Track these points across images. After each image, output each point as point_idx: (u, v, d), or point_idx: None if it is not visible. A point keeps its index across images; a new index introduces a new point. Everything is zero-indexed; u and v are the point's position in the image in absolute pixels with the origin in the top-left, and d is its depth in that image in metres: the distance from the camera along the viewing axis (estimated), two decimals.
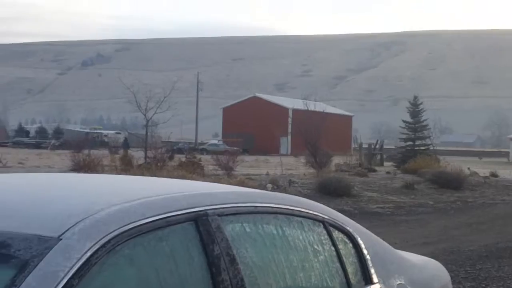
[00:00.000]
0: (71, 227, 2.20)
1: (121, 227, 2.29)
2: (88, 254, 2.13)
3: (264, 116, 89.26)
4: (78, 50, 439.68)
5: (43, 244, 2.10)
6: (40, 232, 2.17)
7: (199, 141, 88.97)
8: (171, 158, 32.27)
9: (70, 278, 2.03)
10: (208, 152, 57.78)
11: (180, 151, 51.80)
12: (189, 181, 3.81)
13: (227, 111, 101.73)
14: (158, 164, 28.12)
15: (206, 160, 34.19)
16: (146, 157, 30.73)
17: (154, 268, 2.38)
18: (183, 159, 32.22)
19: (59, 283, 2.00)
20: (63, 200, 2.57)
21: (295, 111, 66.70)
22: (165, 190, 2.92)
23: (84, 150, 42.31)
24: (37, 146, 79.02)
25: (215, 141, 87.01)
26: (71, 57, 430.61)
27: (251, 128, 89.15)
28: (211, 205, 2.74)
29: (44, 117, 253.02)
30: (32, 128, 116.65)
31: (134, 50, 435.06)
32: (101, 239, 2.20)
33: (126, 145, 47.17)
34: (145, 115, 31.62)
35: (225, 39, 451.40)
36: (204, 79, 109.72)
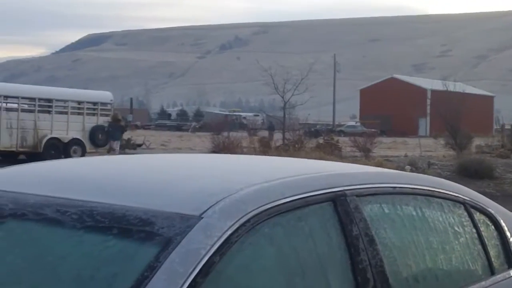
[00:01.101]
0: (212, 206, 2.24)
1: (261, 206, 2.31)
2: (229, 232, 2.16)
3: (401, 98, 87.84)
4: (216, 34, 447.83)
5: (185, 222, 2.16)
6: (182, 210, 2.22)
7: (336, 123, 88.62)
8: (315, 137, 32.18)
9: (211, 256, 2.07)
10: (345, 134, 57.44)
11: (317, 133, 51.86)
12: (327, 162, 3.81)
13: (364, 92, 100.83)
14: (296, 146, 28.26)
15: (344, 142, 34.03)
16: (284, 138, 30.94)
17: (293, 247, 2.40)
18: (321, 141, 32.22)
19: (200, 260, 2.04)
20: (203, 179, 2.64)
21: (434, 92, 65.22)
22: (303, 170, 2.93)
23: (223, 132, 43.08)
24: (179, 128, 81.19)
25: (353, 123, 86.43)
26: (210, 41, 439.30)
27: (389, 110, 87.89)
28: (349, 185, 2.73)
29: (185, 100, 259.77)
30: (173, 111, 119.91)
31: (271, 33, 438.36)
32: (241, 218, 2.23)
33: (271, 127, 47.51)
34: (282, 97, 31.80)
35: (362, 20, 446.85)
36: (341, 61, 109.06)
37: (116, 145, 26.21)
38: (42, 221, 2.29)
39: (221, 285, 2.11)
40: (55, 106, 27.16)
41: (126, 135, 33.91)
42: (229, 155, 4.95)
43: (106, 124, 27.16)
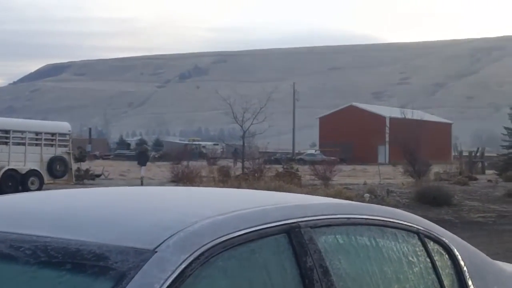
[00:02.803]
0: (166, 239, 2.24)
1: (215, 239, 2.32)
2: (183, 266, 2.16)
3: (361, 125, 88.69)
4: (176, 63, 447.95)
5: (139, 257, 2.15)
6: (136, 244, 2.22)
7: (296, 151, 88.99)
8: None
9: None
10: (305, 162, 57.67)
11: (277, 161, 51.97)
12: (283, 193, 3.83)
13: (323, 120, 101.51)
14: (256, 174, 28.29)
15: (304, 170, 34.20)
16: (243, 167, 30.97)
17: (247, 280, 2.41)
18: (280, 170, 32.30)
19: None
20: (158, 213, 2.64)
21: (393, 119, 65.97)
22: (258, 202, 2.95)
23: (183, 162, 42.99)
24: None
25: (312, 151, 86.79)
26: (169, 70, 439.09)
27: (348, 137, 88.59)
28: (303, 217, 2.74)
29: (144, 130, 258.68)
30: (132, 141, 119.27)
31: (231, 61, 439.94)
32: (195, 251, 2.23)
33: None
34: (241, 126, 31.91)
35: (322, 48, 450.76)
36: (300, 89, 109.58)
37: None
38: None
39: None
40: (13, 137, 26.92)
41: (84, 166, 33.67)
42: (186, 187, 4.95)
43: (64, 155, 27.01)
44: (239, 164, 35.04)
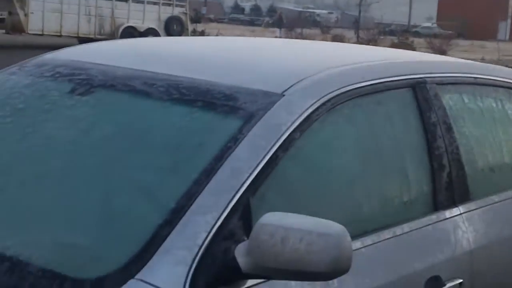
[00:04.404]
0: (293, 84, 2.28)
1: (341, 87, 2.35)
2: (309, 110, 2.20)
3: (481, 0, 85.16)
4: None
5: (268, 99, 2.21)
6: (265, 87, 2.27)
7: (412, 23, 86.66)
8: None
9: (292, 132, 2.12)
10: (421, 35, 56.24)
11: (392, 33, 50.89)
12: (408, 51, 3.80)
13: None
14: (369, 44, 27.92)
15: (419, 43, 33.45)
16: (358, 36, 30.56)
17: (371, 129, 2.45)
18: (395, 41, 31.73)
19: (281, 135, 2.10)
20: (285, 60, 2.68)
21: None
22: (384, 56, 2.94)
23: (296, 29, 42.73)
24: (252, 23, 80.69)
25: (429, 24, 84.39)
26: None
27: (467, 12, 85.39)
28: (429, 73, 2.73)
29: None
30: (247, 5, 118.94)
31: None
32: (322, 97, 2.26)
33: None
34: None
35: None
36: None
37: None
38: (130, 92, 2.37)
39: (300, 160, 2.17)
40: None
41: (199, 27, 33.96)
42: (309, 40, 4.94)
43: (181, 16, 27.29)
44: (348, 35, 34.55)
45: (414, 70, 2.69)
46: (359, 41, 30.10)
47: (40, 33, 25.12)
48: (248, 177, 1.98)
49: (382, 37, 33.13)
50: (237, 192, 1.94)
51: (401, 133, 2.53)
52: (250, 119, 2.13)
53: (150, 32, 26.94)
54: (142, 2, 27.50)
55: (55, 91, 2.51)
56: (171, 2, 28.18)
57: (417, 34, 60.07)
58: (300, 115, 2.17)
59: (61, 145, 2.29)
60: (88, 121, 2.35)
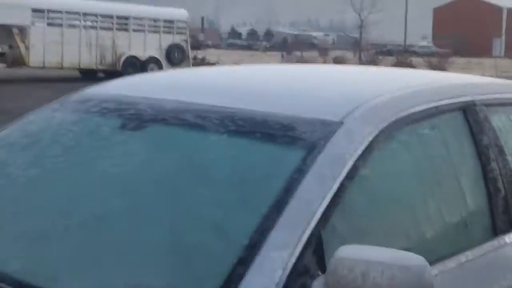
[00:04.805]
0: (351, 111, 2.24)
1: (397, 113, 2.31)
2: (369, 138, 2.17)
3: (475, 17, 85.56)
4: None
5: (327, 128, 2.16)
6: (322, 116, 2.23)
7: (407, 43, 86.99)
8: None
9: (355, 161, 2.09)
10: (418, 54, 56.43)
11: (389, 53, 51.06)
12: (448, 72, 3.78)
13: (437, 11, 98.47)
14: (370, 65, 27.98)
15: (417, 62, 33.54)
16: (360, 57, 30.63)
17: (428, 155, 2.41)
18: (393, 62, 31.82)
19: (346, 164, 2.06)
20: (338, 87, 2.65)
21: (510, 10, 63.29)
22: (432, 79, 2.92)
23: (294, 52, 42.87)
24: (249, 47, 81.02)
25: (424, 43, 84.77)
26: None
27: (462, 29, 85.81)
28: (477, 94, 2.71)
29: (254, 20, 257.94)
30: (243, 31, 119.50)
31: None
32: (380, 124, 2.23)
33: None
34: (359, 14, 31.36)
35: None
36: None
37: None
38: (184, 126, 2.33)
39: (364, 189, 2.13)
40: (132, 24, 27.42)
41: (201, 54, 34.05)
42: (348, 65, 4.92)
43: (182, 43, 27.42)
44: (349, 55, 34.59)
45: (464, 93, 2.67)
46: (360, 62, 30.12)
47: (42, 65, 25.17)
48: (318, 209, 1.93)
49: (380, 57, 33.15)
50: (309, 225, 1.89)
51: (456, 157, 2.50)
52: (312, 149, 2.09)
53: (152, 61, 27.07)
54: (143, 31, 27.63)
55: (105, 127, 2.48)
56: (172, 30, 28.30)
57: (415, 53, 60.37)
58: (361, 143, 2.14)
59: (121, 182, 2.25)
60: (144, 156, 2.31)
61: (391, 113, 2.31)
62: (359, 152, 2.12)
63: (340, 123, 2.19)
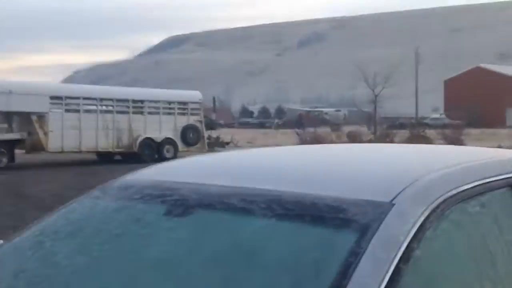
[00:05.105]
0: (401, 191, 2.22)
1: (447, 192, 2.28)
2: (422, 218, 2.13)
3: (488, 88, 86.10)
4: (294, 31, 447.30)
5: (378, 209, 2.14)
6: (371, 197, 2.21)
7: (418, 116, 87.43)
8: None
9: (409, 242, 2.05)
10: (430, 126, 56.58)
11: (402, 126, 51.23)
12: (489, 148, 3.76)
13: (449, 83, 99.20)
14: (386, 139, 28.05)
15: (431, 134, 33.62)
16: (375, 132, 30.74)
17: (480, 233, 2.37)
18: (406, 135, 31.92)
19: (400, 246, 2.02)
20: (385, 166, 2.63)
21: None
22: (477, 155, 2.90)
23: (306, 128, 43.09)
24: (262, 125, 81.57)
25: (437, 115, 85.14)
26: (288, 37, 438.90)
27: (474, 101, 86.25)
28: None
29: (265, 98, 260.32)
30: (254, 109, 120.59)
31: (349, 26, 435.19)
32: (431, 203, 2.20)
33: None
34: (373, 90, 31.70)
35: (443, 9, 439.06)
36: (422, 52, 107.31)
37: None
38: (231, 211, 2.31)
39: (419, 272, 2.09)
40: (147, 107, 27.79)
41: (214, 133, 34.26)
42: (389, 144, 4.90)
43: (196, 124, 27.71)
44: (363, 129, 34.69)
45: (509, 169, 2.65)
46: (376, 137, 30.22)
47: (60, 150, 25.41)
48: None
49: (394, 131, 33.28)
50: None
51: (508, 235, 2.46)
52: (365, 232, 2.06)
53: (167, 142, 27.32)
54: (158, 114, 27.96)
55: (150, 214, 2.47)
56: (186, 112, 28.63)
57: (427, 126, 60.52)
58: (414, 224, 2.11)
59: (170, 269, 2.21)
60: (192, 243, 2.28)
61: (442, 191, 2.28)
62: (412, 233, 2.09)
63: (392, 204, 2.17)
